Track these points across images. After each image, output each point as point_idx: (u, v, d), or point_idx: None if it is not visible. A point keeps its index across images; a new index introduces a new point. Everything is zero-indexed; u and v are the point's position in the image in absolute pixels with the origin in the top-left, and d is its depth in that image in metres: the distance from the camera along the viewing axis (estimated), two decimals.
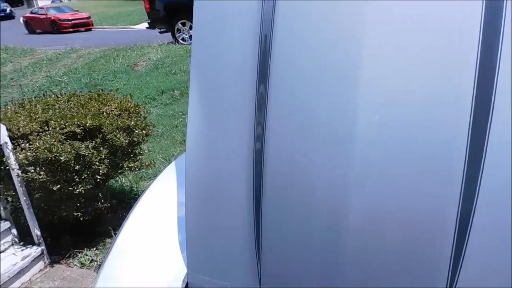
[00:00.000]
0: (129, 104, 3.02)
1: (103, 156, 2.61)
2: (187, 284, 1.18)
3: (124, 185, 3.72)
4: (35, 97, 3.14)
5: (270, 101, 0.93)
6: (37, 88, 6.99)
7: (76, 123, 2.61)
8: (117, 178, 3.57)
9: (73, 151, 2.49)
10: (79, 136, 2.63)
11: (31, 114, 2.72)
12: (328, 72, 0.85)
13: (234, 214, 1.10)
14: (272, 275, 1.07)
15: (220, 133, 1.09)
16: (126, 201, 3.45)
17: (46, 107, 2.86)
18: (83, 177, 2.60)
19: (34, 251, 2.68)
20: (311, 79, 0.87)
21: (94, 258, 2.78)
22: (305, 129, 0.91)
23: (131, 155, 2.92)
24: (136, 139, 2.87)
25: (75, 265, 2.75)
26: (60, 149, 2.45)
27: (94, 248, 2.88)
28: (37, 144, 2.45)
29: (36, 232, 2.70)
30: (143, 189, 3.61)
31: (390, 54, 0.79)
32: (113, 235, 2.98)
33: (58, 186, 2.52)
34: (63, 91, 3.32)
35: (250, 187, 1.04)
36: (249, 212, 1.06)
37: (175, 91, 6.10)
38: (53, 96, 3.08)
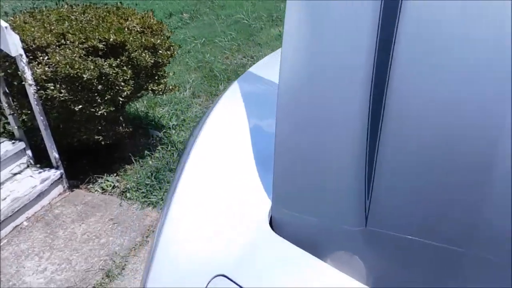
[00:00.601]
0: (152, 21, 2.73)
1: (128, 77, 2.39)
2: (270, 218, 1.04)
3: (138, 110, 3.52)
4: (45, 7, 2.81)
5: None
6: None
7: (97, 37, 2.34)
8: (131, 103, 3.36)
9: (96, 68, 2.25)
10: (100, 53, 2.38)
11: (45, 25, 2.43)
12: None
13: (341, 141, 0.93)
14: (384, 216, 0.92)
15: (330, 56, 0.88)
16: (142, 126, 3.28)
17: (60, 17, 2.56)
18: (105, 98, 2.39)
19: (53, 174, 2.54)
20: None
21: (116, 184, 2.65)
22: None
23: (155, 77, 2.69)
24: (160, 60, 2.62)
25: (96, 190, 2.63)
26: (82, 66, 2.21)
27: (115, 174, 2.75)
28: (57, 58, 2.20)
29: (54, 154, 2.54)
30: (160, 115, 3.42)
31: None
32: (134, 161, 2.84)
33: (80, 106, 2.32)
34: (76, 2, 2.98)
35: (366, 110, 0.86)
36: (361, 139, 0.89)
37: (184, 14, 5.69)
38: (66, 6, 2.76)
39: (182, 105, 3.63)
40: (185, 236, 1.01)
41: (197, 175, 1.15)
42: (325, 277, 0.87)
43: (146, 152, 2.93)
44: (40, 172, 2.55)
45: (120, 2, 2.88)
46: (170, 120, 3.36)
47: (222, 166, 1.15)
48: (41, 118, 2.40)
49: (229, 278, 0.92)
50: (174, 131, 3.22)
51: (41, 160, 2.67)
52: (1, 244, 2.21)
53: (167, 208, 1.07)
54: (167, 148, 2.99)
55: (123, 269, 2.03)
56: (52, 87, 2.23)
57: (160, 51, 2.61)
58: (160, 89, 2.70)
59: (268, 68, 1.62)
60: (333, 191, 0.98)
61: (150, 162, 2.85)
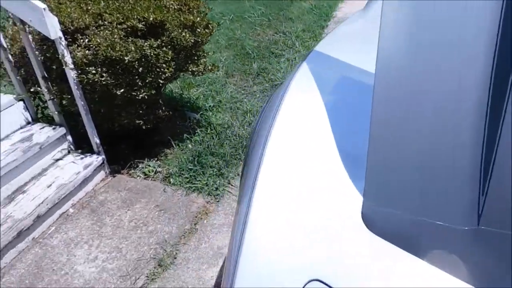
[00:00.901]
0: None
1: (169, 58, 2.28)
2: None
3: (173, 91, 3.43)
4: None
5: None
6: None
7: (136, 17, 2.23)
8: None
9: (137, 50, 2.15)
10: (139, 33, 2.27)
11: (81, 5, 2.33)
12: None
13: (451, 127, 0.82)
14: (503, 215, 0.81)
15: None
16: (178, 109, 3.19)
17: None
18: (146, 81, 2.30)
19: (95, 159, 2.49)
20: None
21: (158, 169, 2.59)
22: None
23: (194, 58, 2.58)
24: (199, 39, 2.50)
25: (138, 175, 2.57)
26: (123, 48, 2.11)
27: (155, 159, 2.69)
28: (98, 40, 2.10)
29: (95, 139, 2.48)
30: (195, 96, 3.33)
31: None
32: (174, 145, 2.77)
33: (122, 90, 2.23)
34: None
35: (485, 96, 0.74)
36: (477, 125, 0.77)
37: None
38: None
39: (216, 85, 3.52)
40: (272, 238, 0.92)
41: (278, 169, 1.05)
42: (430, 278, 0.78)
43: (185, 135, 2.85)
44: (82, 158, 2.51)
45: None
46: (206, 102, 3.26)
47: (304, 160, 1.05)
48: (82, 103, 2.33)
49: (324, 283, 0.83)
50: (211, 113, 3.13)
51: (81, 145, 2.63)
52: (50, 231, 2.19)
53: (248, 207, 0.98)
54: (206, 130, 2.90)
55: (175, 258, 1.98)
56: (94, 71, 2.15)
57: (198, 30, 2.49)
58: (199, 70, 2.59)
59: (335, 47, 1.49)
60: (439, 185, 0.86)
61: (190, 145, 2.78)
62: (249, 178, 1.06)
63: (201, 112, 3.11)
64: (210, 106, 3.22)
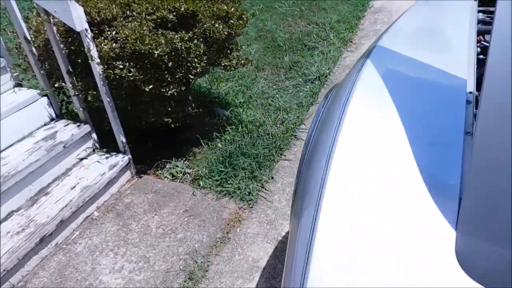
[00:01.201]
0: None
1: (201, 52, 2.10)
2: None
3: (201, 86, 3.26)
4: None
5: None
6: None
7: (167, 7, 2.06)
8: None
9: (168, 43, 1.98)
10: (169, 25, 2.10)
11: None
12: None
13: None
14: None
15: None
16: (207, 105, 3.02)
17: None
18: (176, 76, 2.13)
19: (121, 159, 2.35)
20: None
21: (187, 170, 2.43)
22: None
23: (227, 51, 2.39)
24: (233, 31, 2.31)
25: (165, 177, 2.42)
26: (153, 41, 1.95)
27: (183, 159, 2.53)
28: (126, 32, 1.94)
29: (121, 138, 2.34)
30: (224, 92, 3.15)
31: None
32: (202, 144, 2.60)
33: (150, 86, 2.07)
34: None
35: None
36: None
37: None
38: None
39: (246, 80, 3.34)
40: (343, 262, 0.75)
41: (347, 185, 0.86)
42: None
43: (214, 133, 2.68)
44: (107, 157, 2.37)
45: None
46: (236, 97, 3.08)
47: (377, 177, 0.86)
48: (108, 99, 2.18)
49: None
50: (241, 109, 2.95)
51: (106, 143, 2.49)
52: (73, 236, 2.06)
53: (312, 237, 0.80)
54: (237, 129, 2.73)
55: (207, 271, 1.82)
56: (121, 66, 1.99)
57: (231, 21, 2.30)
58: (232, 64, 2.40)
59: (401, 42, 1.29)
60: None
61: (220, 145, 2.61)
62: (310, 192, 0.88)
63: (230, 109, 2.94)
64: (240, 102, 3.04)
